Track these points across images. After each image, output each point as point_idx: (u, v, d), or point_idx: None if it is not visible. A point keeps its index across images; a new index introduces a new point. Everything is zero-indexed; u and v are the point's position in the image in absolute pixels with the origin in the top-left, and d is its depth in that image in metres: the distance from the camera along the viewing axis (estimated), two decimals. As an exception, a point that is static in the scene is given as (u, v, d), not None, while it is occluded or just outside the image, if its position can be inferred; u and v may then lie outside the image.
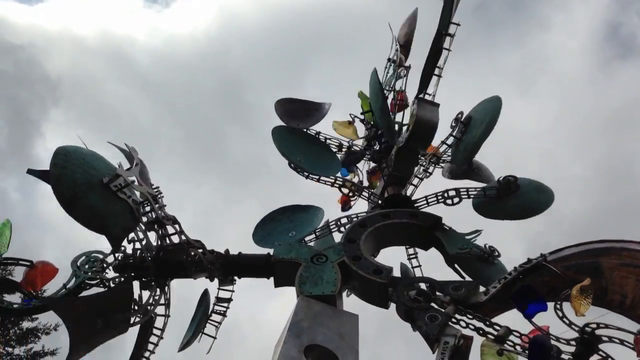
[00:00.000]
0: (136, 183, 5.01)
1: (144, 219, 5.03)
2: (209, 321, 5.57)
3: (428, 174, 6.76)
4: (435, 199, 6.29)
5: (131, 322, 4.94)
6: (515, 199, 6.38)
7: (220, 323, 5.58)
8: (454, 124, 6.67)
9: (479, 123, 6.35)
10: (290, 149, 6.43)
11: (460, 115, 6.62)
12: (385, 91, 8.91)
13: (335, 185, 6.64)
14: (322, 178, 6.57)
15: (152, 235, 5.21)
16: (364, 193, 6.81)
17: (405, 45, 8.10)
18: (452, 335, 3.98)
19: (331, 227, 6.20)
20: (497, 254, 5.99)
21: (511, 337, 3.96)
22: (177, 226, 5.07)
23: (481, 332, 4.03)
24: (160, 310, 5.27)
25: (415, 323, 4.28)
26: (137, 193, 5.09)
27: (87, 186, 4.64)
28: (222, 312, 5.61)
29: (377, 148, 7.68)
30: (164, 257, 5.11)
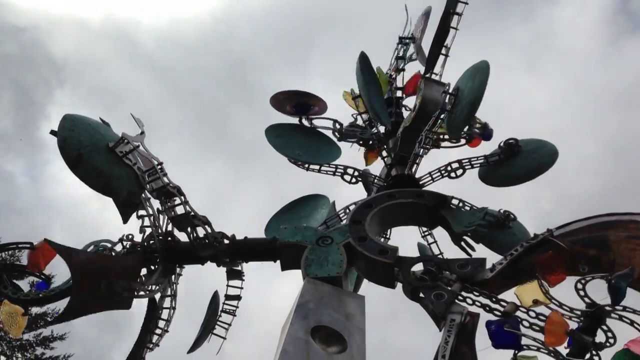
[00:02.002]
0: (142, 149, 5.06)
1: (149, 187, 5.04)
2: (218, 323, 5.62)
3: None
4: (439, 174, 6.29)
5: (136, 293, 4.93)
6: (520, 160, 6.37)
7: (229, 324, 5.62)
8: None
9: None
10: (287, 144, 6.43)
11: (447, 87, 6.55)
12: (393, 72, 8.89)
13: (337, 174, 6.60)
14: (322, 168, 6.54)
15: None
16: (368, 178, 6.77)
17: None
18: (458, 313, 3.98)
19: (340, 215, 6.19)
20: (512, 217, 6.00)
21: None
22: (182, 197, 5.06)
23: (487, 308, 4.03)
24: (166, 303, 5.33)
25: (422, 302, 4.29)
26: (142, 161, 5.13)
27: (92, 147, 4.73)
28: (231, 311, 5.64)
29: (376, 131, 7.64)
30: (171, 242, 5.15)
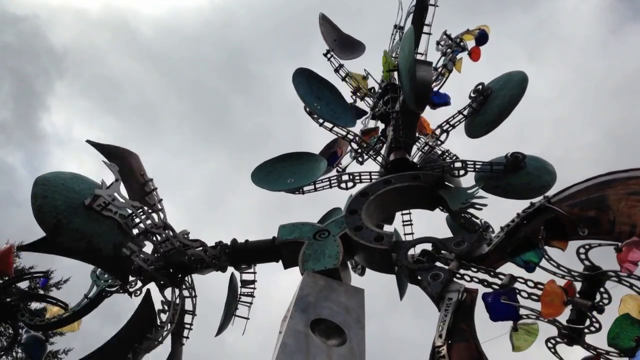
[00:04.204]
0: (118, 200, 4.94)
1: (135, 230, 5.02)
2: (240, 303, 5.70)
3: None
4: (427, 146, 6.24)
5: (160, 339, 4.98)
6: (492, 101, 6.34)
7: (251, 303, 5.70)
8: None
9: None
10: (277, 179, 6.27)
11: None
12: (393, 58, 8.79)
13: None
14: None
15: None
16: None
17: None
18: (455, 291, 3.91)
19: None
20: (521, 157, 5.87)
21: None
22: (168, 232, 5.11)
23: (485, 283, 3.93)
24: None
25: (421, 284, 4.22)
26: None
27: (69, 211, 4.63)
28: (249, 293, 5.73)
29: (382, 109, 7.57)
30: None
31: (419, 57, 6.27)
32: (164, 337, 5.14)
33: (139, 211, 5.04)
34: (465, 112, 6.31)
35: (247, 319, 5.65)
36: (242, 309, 5.71)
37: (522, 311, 3.58)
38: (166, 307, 5.29)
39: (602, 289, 3.47)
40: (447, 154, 6.76)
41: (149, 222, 5.07)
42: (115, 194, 4.94)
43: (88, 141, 5.51)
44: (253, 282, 5.68)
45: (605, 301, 3.41)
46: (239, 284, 5.72)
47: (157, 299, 5.45)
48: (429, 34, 6.34)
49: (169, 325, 5.02)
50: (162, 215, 5.28)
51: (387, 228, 6.89)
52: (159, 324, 5.12)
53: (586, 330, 3.40)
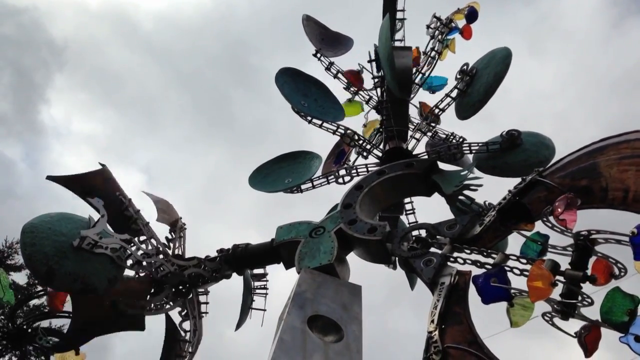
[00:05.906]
0: (106, 236, 4.91)
1: (129, 261, 5.01)
2: (254, 294, 5.89)
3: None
4: (420, 132, 6.19)
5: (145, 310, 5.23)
6: (477, 81, 6.27)
7: (266, 294, 5.93)
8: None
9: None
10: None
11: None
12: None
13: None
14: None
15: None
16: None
17: None
18: (448, 275, 3.84)
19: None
20: (516, 134, 5.76)
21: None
22: (161, 256, 5.15)
23: (479, 264, 3.85)
24: (186, 325, 5.40)
25: (416, 272, 4.16)
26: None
27: (59, 255, 4.61)
28: (262, 286, 5.95)
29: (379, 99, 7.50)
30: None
31: (397, 43, 6.22)
32: (195, 348, 5.23)
33: (130, 245, 5.02)
34: (453, 95, 6.25)
35: (264, 310, 5.81)
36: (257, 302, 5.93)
37: (513, 291, 3.50)
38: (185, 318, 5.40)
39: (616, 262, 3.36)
40: (451, 136, 6.70)
41: (140, 252, 5.07)
42: (104, 230, 4.92)
43: (49, 177, 5.42)
44: (264, 274, 5.89)
45: (623, 273, 3.31)
46: (252, 278, 5.85)
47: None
48: (404, 19, 6.32)
49: (194, 334, 5.18)
50: (153, 241, 5.33)
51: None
52: (182, 336, 5.28)
53: (579, 304, 3.30)
